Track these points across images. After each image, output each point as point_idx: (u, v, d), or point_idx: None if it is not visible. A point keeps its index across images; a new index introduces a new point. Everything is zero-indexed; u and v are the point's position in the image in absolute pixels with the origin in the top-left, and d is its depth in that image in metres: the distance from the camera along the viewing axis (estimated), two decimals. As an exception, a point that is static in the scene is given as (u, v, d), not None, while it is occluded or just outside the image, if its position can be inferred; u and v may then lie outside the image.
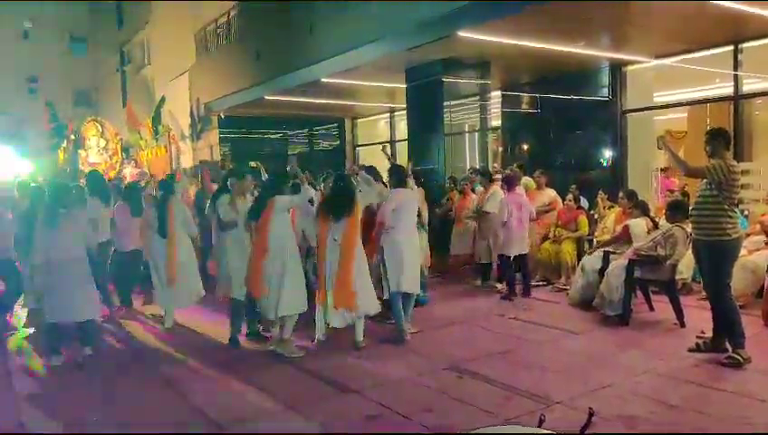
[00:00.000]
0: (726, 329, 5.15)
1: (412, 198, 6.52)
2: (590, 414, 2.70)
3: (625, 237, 7.01)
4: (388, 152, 7.50)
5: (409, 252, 6.18)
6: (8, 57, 27.30)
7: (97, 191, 7.57)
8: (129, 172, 15.23)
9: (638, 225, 7.03)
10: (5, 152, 16.53)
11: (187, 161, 17.88)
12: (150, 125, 17.52)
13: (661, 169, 10.21)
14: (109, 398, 4.88)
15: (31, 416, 4.56)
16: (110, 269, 7.80)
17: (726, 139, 5.18)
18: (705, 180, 5.12)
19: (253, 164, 7.42)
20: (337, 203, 5.75)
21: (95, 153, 17.08)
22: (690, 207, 5.47)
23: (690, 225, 5.62)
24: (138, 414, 4.49)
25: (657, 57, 9.86)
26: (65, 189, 5.99)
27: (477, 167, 10.29)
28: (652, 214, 7.52)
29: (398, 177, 6.46)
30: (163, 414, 4.47)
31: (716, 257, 5.11)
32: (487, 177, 8.68)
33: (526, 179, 9.10)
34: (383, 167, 7.05)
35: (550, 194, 8.97)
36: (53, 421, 4.42)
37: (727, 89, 9.38)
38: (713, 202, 5.04)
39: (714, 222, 5.03)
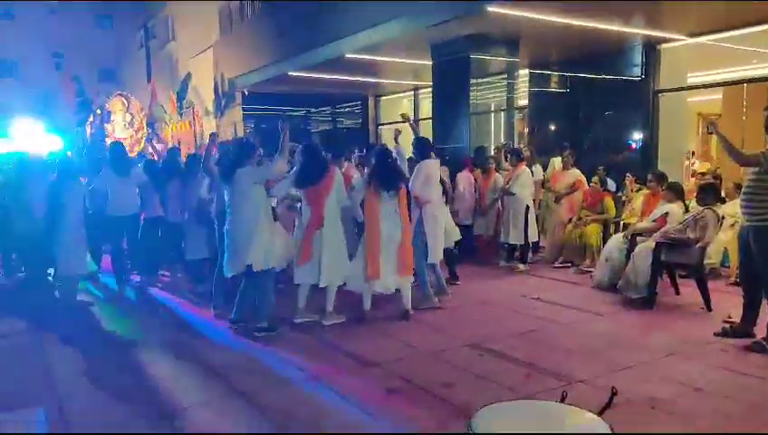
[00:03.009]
0: None
1: (437, 169, 6.69)
2: (613, 393, 2.66)
3: (663, 225, 6.65)
4: (410, 119, 7.36)
5: (443, 223, 6.56)
6: (35, 33, 27.60)
7: (113, 163, 7.60)
8: (153, 148, 15.34)
9: (677, 212, 6.69)
10: (33, 126, 16.75)
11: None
12: (175, 100, 17.60)
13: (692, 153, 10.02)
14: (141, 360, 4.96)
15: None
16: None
17: None
18: None
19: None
20: (391, 177, 5.84)
21: (121, 128, 17.25)
22: (743, 192, 5.14)
23: (724, 208, 5.41)
24: (171, 382, 4.54)
25: (693, 35, 9.57)
26: None
27: (501, 145, 10.12)
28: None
29: (424, 149, 6.57)
30: (187, 381, 4.52)
31: None
32: (516, 156, 8.47)
33: (554, 159, 9.00)
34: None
35: (574, 174, 8.82)
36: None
37: (765, 69, 9.09)
38: (764, 186, 4.80)
39: (765, 207, 4.82)
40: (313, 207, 5.74)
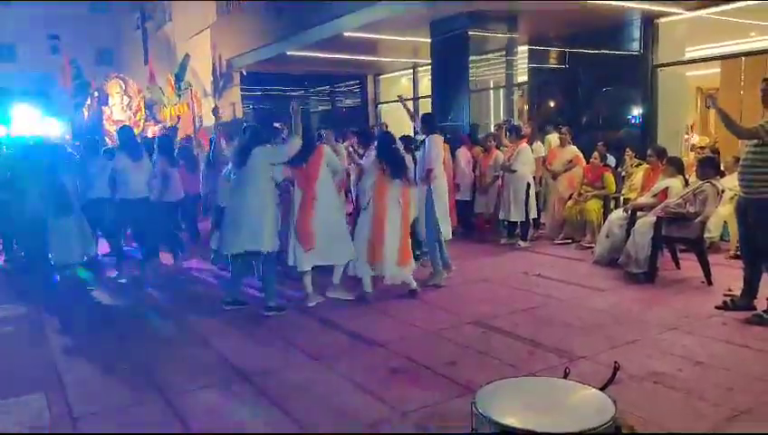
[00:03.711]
0: None
1: (442, 144, 6.84)
2: (616, 368, 2.70)
3: (663, 200, 6.67)
4: (404, 99, 7.42)
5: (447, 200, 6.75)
6: (30, 15, 27.32)
7: (125, 147, 7.58)
8: (152, 129, 15.33)
9: (677, 187, 6.72)
10: (29, 110, 16.69)
11: (209, 119, 17.88)
12: (173, 82, 17.51)
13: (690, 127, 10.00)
14: (143, 343, 5.01)
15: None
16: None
17: None
18: None
19: (277, 125, 7.33)
20: (402, 165, 5.89)
21: (119, 110, 17.20)
22: (740, 165, 5.14)
23: (724, 181, 5.42)
24: (173, 364, 4.59)
25: (691, 9, 9.49)
26: None
27: (502, 122, 10.09)
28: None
29: (432, 123, 6.76)
30: (191, 364, 4.57)
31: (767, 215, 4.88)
32: (516, 133, 8.45)
33: (550, 136, 8.98)
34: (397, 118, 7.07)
35: (572, 150, 8.81)
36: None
37: (764, 42, 9.05)
38: (763, 158, 4.80)
39: (763, 179, 4.81)
40: (305, 188, 5.75)
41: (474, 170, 9.06)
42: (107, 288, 7.00)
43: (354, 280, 6.09)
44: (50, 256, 7.20)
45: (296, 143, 5.59)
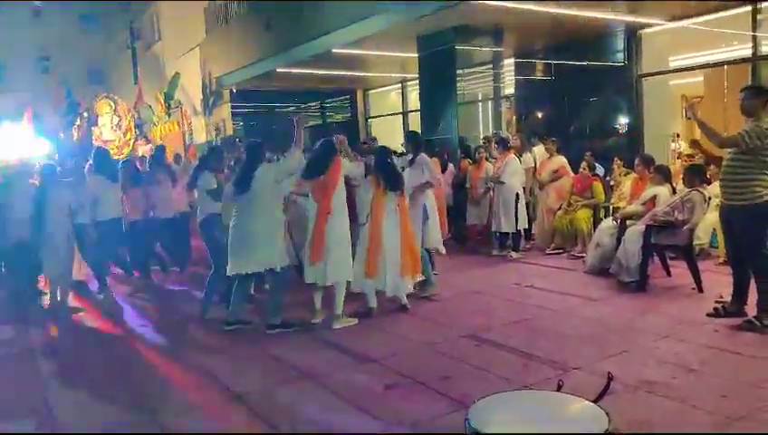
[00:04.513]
0: (765, 296, 4.96)
1: None
2: (609, 379, 2.71)
3: (651, 208, 6.71)
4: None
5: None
6: (20, 36, 27.33)
7: (101, 168, 7.58)
8: (143, 149, 15.30)
9: (665, 195, 6.78)
10: (17, 131, 16.62)
11: (200, 137, 17.91)
12: (163, 101, 17.52)
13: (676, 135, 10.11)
14: (133, 366, 4.98)
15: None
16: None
17: (766, 97, 4.87)
18: None
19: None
20: (394, 176, 5.93)
21: (108, 130, 17.15)
22: (722, 172, 5.17)
23: (711, 189, 5.49)
24: (155, 385, 4.57)
25: (673, 19, 9.63)
26: None
27: (491, 135, 10.17)
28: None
29: (419, 142, 7.01)
30: (183, 386, 4.54)
31: (750, 222, 4.91)
32: (504, 145, 8.52)
33: (536, 148, 9.07)
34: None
35: (558, 161, 8.88)
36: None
37: (745, 50, 9.18)
38: (744, 165, 4.84)
39: (746, 186, 4.85)
40: (320, 200, 5.65)
41: (464, 183, 9.14)
42: (96, 311, 6.96)
43: (355, 298, 6.00)
44: (41, 275, 7.18)
45: (297, 156, 5.56)
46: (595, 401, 2.44)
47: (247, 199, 5.50)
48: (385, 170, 5.92)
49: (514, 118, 12.66)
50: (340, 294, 5.72)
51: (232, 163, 7.31)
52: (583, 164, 8.52)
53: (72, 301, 7.11)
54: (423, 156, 6.67)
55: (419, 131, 7.29)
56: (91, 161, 7.80)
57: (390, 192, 5.88)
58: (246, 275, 5.64)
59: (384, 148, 6.37)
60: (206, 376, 4.69)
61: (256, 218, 5.47)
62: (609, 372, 2.77)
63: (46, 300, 7.07)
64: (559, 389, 2.74)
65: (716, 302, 5.46)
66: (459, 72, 10.34)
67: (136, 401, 4.27)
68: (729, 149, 5.02)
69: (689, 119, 5.38)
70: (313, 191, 5.74)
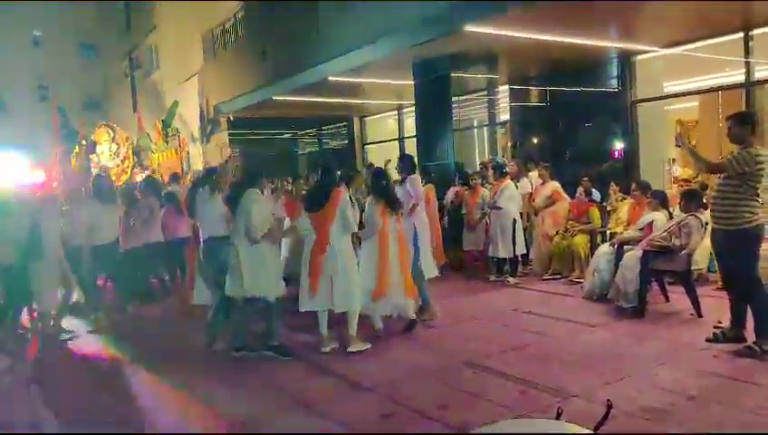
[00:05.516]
0: (759, 320, 4.96)
1: None
2: (609, 407, 2.67)
3: (649, 234, 6.70)
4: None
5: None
6: (19, 65, 27.53)
7: (100, 193, 7.69)
8: (141, 176, 15.29)
9: (662, 220, 6.78)
10: (17, 159, 16.67)
11: (197, 164, 17.96)
12: (161, 129, 17.61)
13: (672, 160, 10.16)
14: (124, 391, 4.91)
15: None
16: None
17: (754, 123, 4.97)
18: None
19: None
20: (394, 198, 6.07)
21: (107, 158, 17.18)
22: (712, 196, 5.24)
23: (707, 214, 5.51)
24: (154, 413, 4.51)
25: (667, 46, 9.74)
26: None
27: (487, 160, 10.24)
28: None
29: (413, 164, 7.11)
30: (178, 414, 4.49)
31: (739, 246, 4.94)
32: (499, 171, 8.59)
33: (532, 173, 9.12)
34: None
35: (552, 186, 8.90)
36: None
37: (739, 76, 9.27)
38: (733, 190, 4.88)
39: (734, 211, 4.88)
40: (318, 231, 5.60)
41: (460, 208, 9.16)
42: (87, 338, 6.92)
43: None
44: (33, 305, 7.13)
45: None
46: (595, 429, 2.40)
47: (240, 226, 5.51)
48: (381, 192, 6.02)
49: (510, 144, 12.73)
50: (353, 318, 5.66)
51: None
52: (580, 189, 8.55)
53: (64, 325, 7.09)
54: (411, 177, 6.77)
55: (414, 156, 7.38)
56: (89, 185, 7.93)
57: (392, 215, 5.98)
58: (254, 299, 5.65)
59: (379, 170, 6.49)
60: (200, 403, 4.63)
61: (250, 246, 5.52)
62: (608, 400, 2.72)
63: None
64: (558, 417, 2.70)
65: (715, 327, 5.44)
66: (455, 98, 10.43)
67: (129, 430, 4.21)
68: (719, 175, 5.07)
69: (678, 147, 5.45)
70: (313, 222, 5.69)
